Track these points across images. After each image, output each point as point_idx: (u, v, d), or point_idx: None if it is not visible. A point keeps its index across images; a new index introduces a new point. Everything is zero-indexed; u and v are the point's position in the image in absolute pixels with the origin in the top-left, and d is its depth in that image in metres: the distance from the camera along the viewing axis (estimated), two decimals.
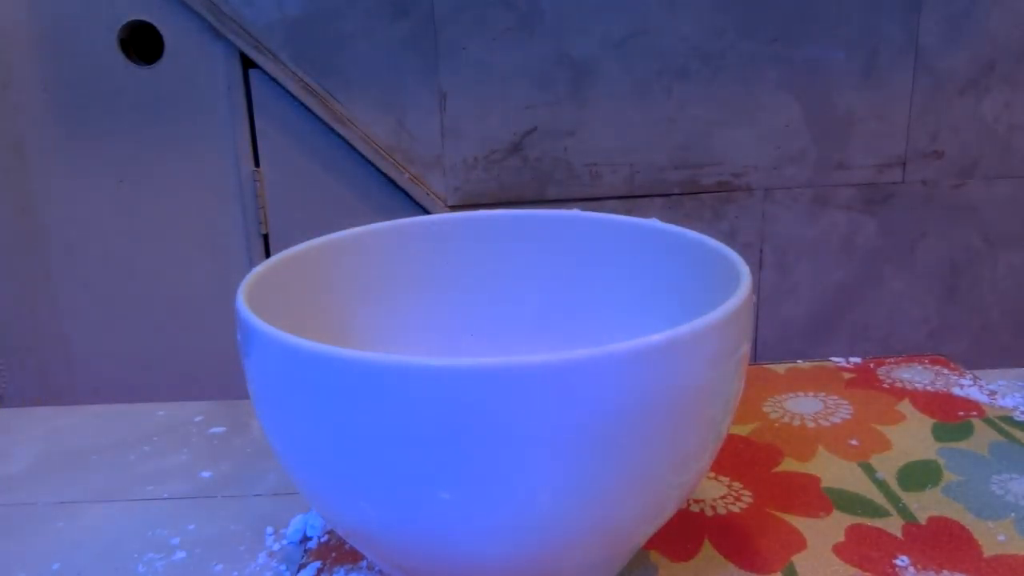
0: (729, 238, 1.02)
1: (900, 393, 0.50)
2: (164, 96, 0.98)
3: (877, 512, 0.38)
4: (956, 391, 0.50)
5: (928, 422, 0.46)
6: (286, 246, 0.39)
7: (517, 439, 0.26)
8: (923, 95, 1.00)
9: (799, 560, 0.35)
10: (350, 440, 0.27)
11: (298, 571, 0.36)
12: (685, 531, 0.37)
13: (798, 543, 0.36)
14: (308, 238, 0.40)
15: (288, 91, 0.96)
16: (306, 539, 0.39)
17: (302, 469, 0.31)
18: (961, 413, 0.47)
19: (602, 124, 0.99)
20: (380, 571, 0.36)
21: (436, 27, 0.95)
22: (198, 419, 0.51)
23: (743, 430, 0.46)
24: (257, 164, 1.00)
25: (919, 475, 0.41)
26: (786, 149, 1.01)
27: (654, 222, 0.41)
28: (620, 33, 0.96)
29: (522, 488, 0.27)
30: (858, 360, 0.54)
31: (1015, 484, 0.40)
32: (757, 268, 1.04)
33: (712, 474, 0.42)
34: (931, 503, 0.39)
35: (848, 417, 0.47)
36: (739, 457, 0.43)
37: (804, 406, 0.49)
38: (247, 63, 0.97)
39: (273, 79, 0.96)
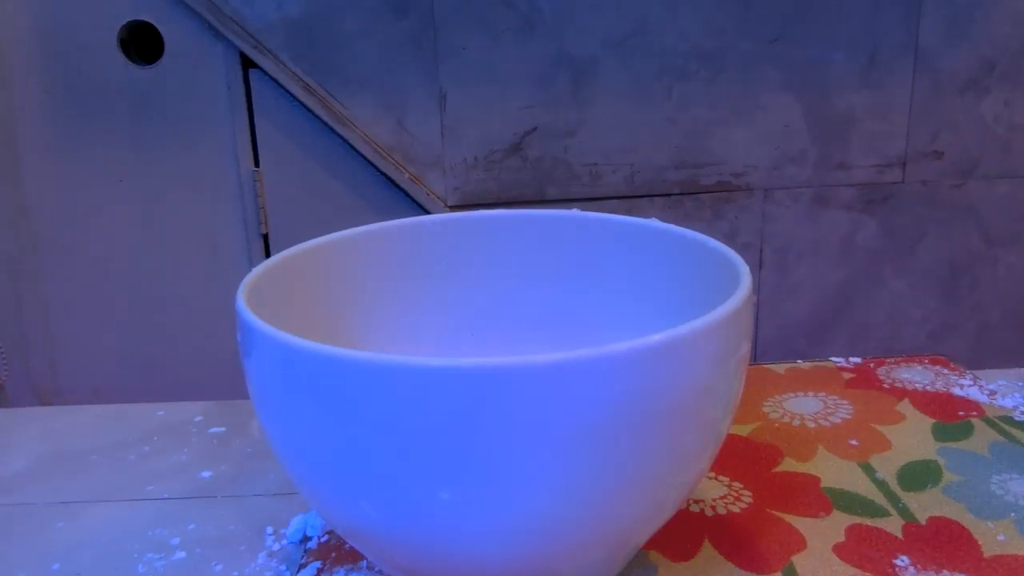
0: (729, 238, 1.02)
1: (900, 393, 0.50)
2: (164, 96, 0.97)
3: (877, 512, 0.38)
4: (956, 391, 0.50)
5: (928, 422, 0.46)
6: (286, 246, 0.39)
7: (517, 439, 0.26)
8: (923, 95, 1.00)
9: (799, 560, 0.35)
10: (350, 440, 0.27)
11: (298, 571, 0.36)
12: (685, 531, 0.37)
13: (798, 543, 0.36)
14: (308, 238, 0.40)
15: (288, 91, 0.96)
16: (306, 539, 0.39)
17: (302, 469, 0.31)
18: (961, 413, 0.47)
19: (602, 124, 0.99)
20: (380, 571, 0.36)
21: (436, 27, 0.95)
22: (198, 419, 0.51)
23: (743, 430, 0.46)
24: (257, 164, 1.00)
25: (919, 475, 0.41)
26: (786, 149, 1.01)
27: (654, 222, 0.41)
28: (620, 33, 0.96)
29: (522, 488, 0.27)
30: (858, 360, 0.54)
31: (1015, 484, 0.40)
32: (757, 268, 1.04)
33: (712, 474, 0.42)
34: (931, 503, 0.39)
35: (848, 417, 0.47)
36: (739, 457, 0.43)
37: (804, 406, 0.49)
38: (247, 63, 0.96)
39: (273, 79, 0.96)
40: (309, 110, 0.97)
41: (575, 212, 0.43)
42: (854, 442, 0.44)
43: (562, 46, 0.96)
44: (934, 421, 0.46)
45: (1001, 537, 0.36)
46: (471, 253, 0.44)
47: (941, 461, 0.42)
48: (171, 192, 1.01)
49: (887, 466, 0.42)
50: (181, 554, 0.38)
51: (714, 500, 0.40)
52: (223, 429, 0.50)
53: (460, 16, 0.94)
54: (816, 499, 0.40)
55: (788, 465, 0.43)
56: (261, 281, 0.35)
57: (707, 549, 0.36)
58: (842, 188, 1.02)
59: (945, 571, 0.34)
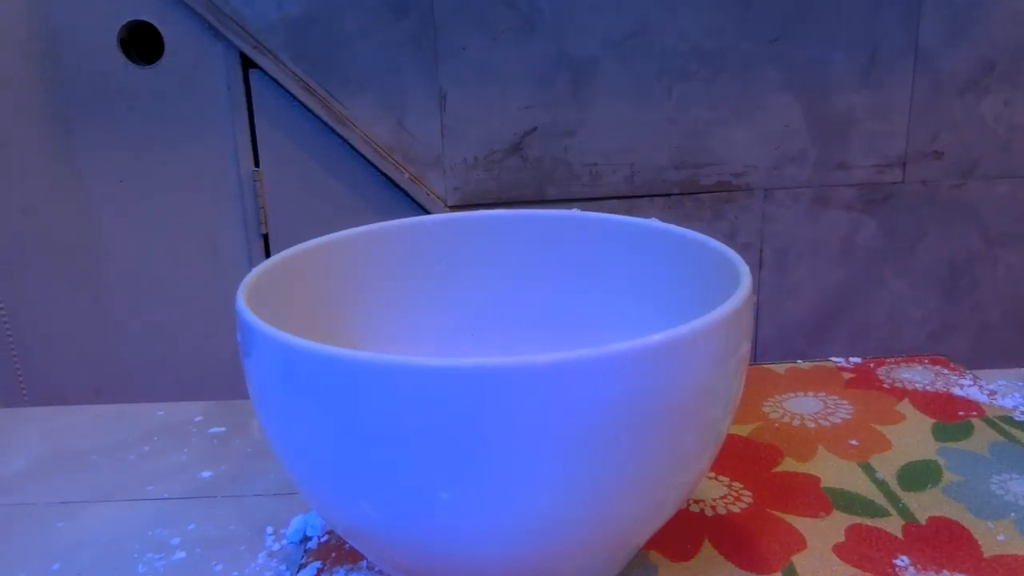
0: (729, 238, 1.02)
1: (900, 393, 0.50)
2: (164, 96, 0.98)
3: (877, 512, 0.38)
4: (956, 391, 0.50)
5: (928, 422, 0.46)
6: (286, 246, 0.39)
7: (517, 439, 0.26)
8: (923, 95, 1.00)
9: (799, 560, 0.35)
10: (350, 440, 0.27)
11: (298, 571, 0.36)
12: (685, 531, 0.37)
13: (798, 543, 0.36)
14: (308, 238, 0.40)
15: (288, 91, 0.96)
16: (306, 539, 0.39)
17: (302, 469, 0.31)
18: (961, 413, 0.47)
19: (602, 124, 0.99)
20: (380, 571, 0.36)
21: (436, 27, 0.95)
22: (198, 419, 0.51)
23: (743, 430, 0.46)
24: (257, 164, 1.00)
25: (919, 475, 0.41)
26: (786, 149, 1.01)
27: (654, 222, 0.41)
28: (620, 33, 0.96)
29: (522, 488, 0.27)
30: (858, 360, 0.54)
31: (1015, 484, 0.40)
32: (757, 268, 1.04)
33: (712, 474, 0.42)
34: (931, 503, 0.39)
35: (848, 417, 0.47)
36: (739, 457, 0.43)
37: (804, 406, 0.49)
38: (247, 63, 0.97)
39: (273, 79, 0.96)
40: (309, 110, 0.97)
41: (575, 212, 0.43)
42: (854, 442, 0.44)
43: (562, 46, 0.96)
44: (934, 421, 0.46)
45: (1001, 537, 0.36)
46: (471, 253, 0.44)
47: (941, 461, 0.42)
48: (171, 192, 1.01)
49: (887, 466, 0.42)
50: (181, 554, 0.38)
51: (714, 500, 0.40)
52: (223, 429, 0.50)
53: (460, 16, 0.94)
54: (816, 499, 0.40)
55: (788, 465, 0.43)
56: (261, 281, 0.35)
57: (707, 549, 0.36)
58: (842, 188, 1.02)
59: (945, 571, 0.34)
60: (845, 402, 0.49)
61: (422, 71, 0.96)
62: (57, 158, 1.00)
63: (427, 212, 0.99)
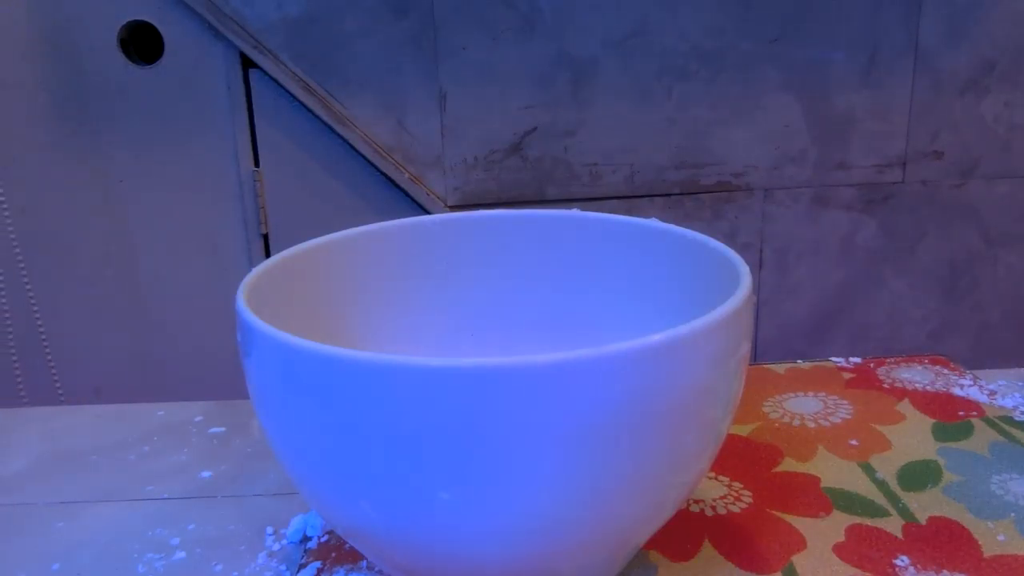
0: (729, 238, 1.02)
1: (900, 393, 0.50)
2: (164, 96, 0.97)
3: (877, 512, 0.38)
4: (956, 391, 0.50)
5: (928, 422, 0.46)
6: (286, 246, 0.39)
7: (517, 439, 0.26)
8: (923, 95, 1.00)
9: (799, 560, 0.35)
10: (350, 440, 0.27)
11: (298, 571, 0.36)
12: (685, 531, 0.37)
13: (798, 543, 0.37)
14: (308, 238, 0.40)
15: (288, 91, 0.96)
16: (306, 539, 0.39)
17: (302, 469, 0.31)
18: (961, 413, 0.47)
19: (602, 124, 0.99)
20: (380, 571, 0.36)
21: (436, 27, 0.95)
22: (198, 419, 0.51)
23: (743, 430, 0.46)
24: (257, 164, 1.00)
25: (919, 475, 0.41)
26: (786, 149, 1.01)
27: (654, 222, 0.41)
28: (620, 33, 0.96)
29: (522, 488, 0.27)
30: (858, 360, 0.54)
31: (1015, 484, 0.40)
32: (757, 268, 1.04)
33: (712, 474, 0.42)
34: (931, 503, 0.39)
35: (848, 417, 0.47)
36: (739, 457, 0.43)
37: (804, 406, 0.49)
38: (247, 63, 0.96)
39: (273, 79, 0.96)
40: (309, 110, 0.97)
41: (575, 212, 0.43)
42: (854, 442, 0.44)
43: (562, 46, 0.96)
44: (934, 421, 0.46)
45: (1001, 537, 0.36)
46: (471, 253, 0.44)
47: (941, 461, 0.42)
48: (171, 192, 1.01)
49: (887, 466, 0.42)
50: (181, 554, 0.38)
51: (714, 500, 0.40)
52: (223, 429, 0.50)
53: (460, 16, 0.94)
54: (816, 499, 0.40)
55: (788, 465, 0.43)
56: (261, 281, 0.35)
57: (707, 549, 0.36)
58: (842, 188, 1.02)
59: (945, 571, 0.34)
60: (845, 402, 0.49)
61: (422, 71, 0.96)
62: (57, 158, 1.00)
63: (427, 212, 0.99)
